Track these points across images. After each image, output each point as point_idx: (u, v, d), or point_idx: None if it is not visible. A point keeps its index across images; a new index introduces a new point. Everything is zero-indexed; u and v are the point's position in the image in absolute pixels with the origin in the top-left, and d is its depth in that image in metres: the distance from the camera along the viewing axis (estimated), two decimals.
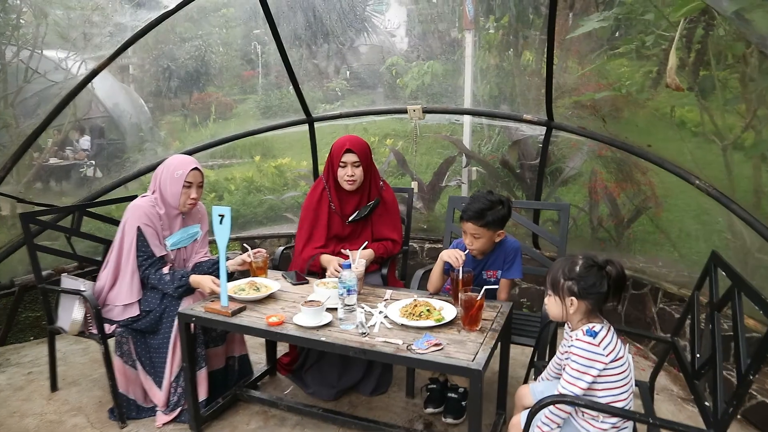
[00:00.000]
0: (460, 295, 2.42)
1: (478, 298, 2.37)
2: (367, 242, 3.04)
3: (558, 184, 4.74)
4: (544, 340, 2.66)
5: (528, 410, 2.13)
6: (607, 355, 1.92)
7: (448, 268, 2.82)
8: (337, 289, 2.42)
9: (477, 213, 2.71)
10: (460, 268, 2.68)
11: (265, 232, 5.29)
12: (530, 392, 2.30)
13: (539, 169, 3.93)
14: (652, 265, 4.06)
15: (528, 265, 3.20)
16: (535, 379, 2.49)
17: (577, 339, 1.96)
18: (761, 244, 3.17)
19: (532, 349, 2.84)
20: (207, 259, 3.21)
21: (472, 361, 2.13)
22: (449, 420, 2.90)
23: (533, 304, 4.47)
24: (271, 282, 2.91)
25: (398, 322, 2.45)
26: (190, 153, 4.41)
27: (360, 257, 2.90)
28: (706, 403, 2.04)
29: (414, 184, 4.76)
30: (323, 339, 2.33)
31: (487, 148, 5.60)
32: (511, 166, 4.84)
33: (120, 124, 6.30)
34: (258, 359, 3.54)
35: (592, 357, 1.92)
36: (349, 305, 2.40)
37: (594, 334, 1.94)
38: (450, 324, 2.46)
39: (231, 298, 2.69)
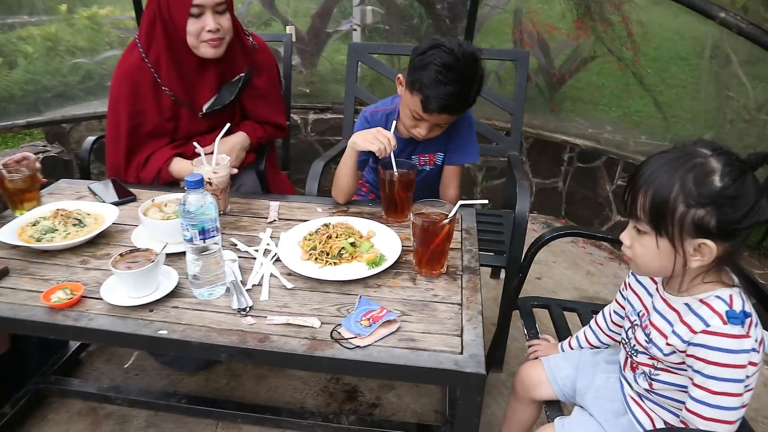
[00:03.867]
0: (414, 219, 1.34)
1: (447, 221, 1.32)
2: (229, 124, 1.80)
3: (479, 28, 3.63)
4: (529, 260, 1.71)
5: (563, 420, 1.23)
6: (759, 349, 1.00)
7: (364, 159, 1.73)
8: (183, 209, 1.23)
9: (460, 99, 1.59)
10: (393, 161, 1.60)
11: (79, 111, 3.72)
12: (547, 376, 1.37)
13: (471, 5, 2.76)
14: (601, 130, 3.23)
15: None
16: (530, 336, 1.57)
17: (708, 332, 1.00)
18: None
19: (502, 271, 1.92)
20: None
21: (460, 353, 1.12)
22: None
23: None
24: (104, 208, 1.63)
25: (301, 272, 1.35)
26: None
27: (221, 151, 1.71)
28: None
29: (290, 29, 3.42)
30: (162, 334, 1.18)
31: None
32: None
33: None
34: None
35: (745, 360, 0.98)
36: (205, 253, 1.24)
37: (740, 318, 0.99)
38: (394, 267, 1.41)
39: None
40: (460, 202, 1.33)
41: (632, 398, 1.21)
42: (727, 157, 0.96)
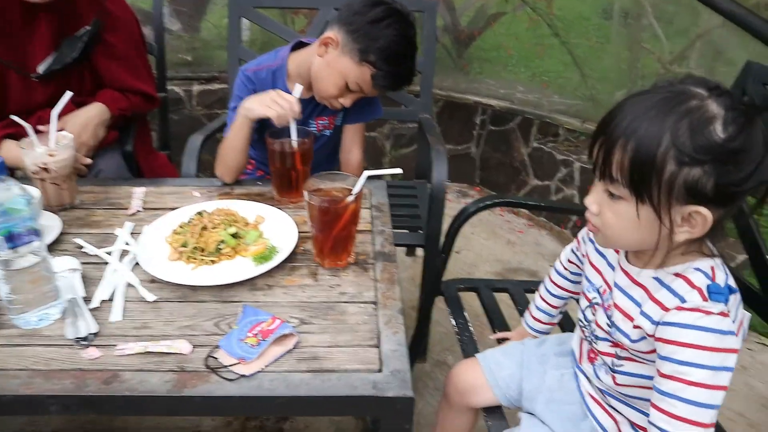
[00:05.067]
0: (310, 198, 1.06)
1: (351, 198, 1.05)
2: (71, 93, 1.41)
3: None
4: (452, 237, 1.48)
5: None
6: (738, 333, 0.80)
7: (258, 127, 1.42)
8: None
9: (413, 73, 1.42)
10: (294, 130, 1.31)
11: None
12: (486, 378, 1.15)
13: None
14: (513, 90, 3.07)
15: None
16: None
17: (683, 308, 0.79)
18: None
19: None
20: None
21: (379, 370, 0.87)
22: None
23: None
24: None
25: (167, 278, 1.03)
26: None
27: (71, 128, 1.36)
28: None
29: None
30: None
31: None
32: None
33: None
34: None
35: (727, 345, 0.77)
36: (17, 267, 0.89)
37: (724, 294, 0.78)
38: (289, 260, 1.12)
39: None
40: (367, 172, 1.06)
41: (591, 396, 1.01)
42: (728, 99, 0.74)
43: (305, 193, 1.06)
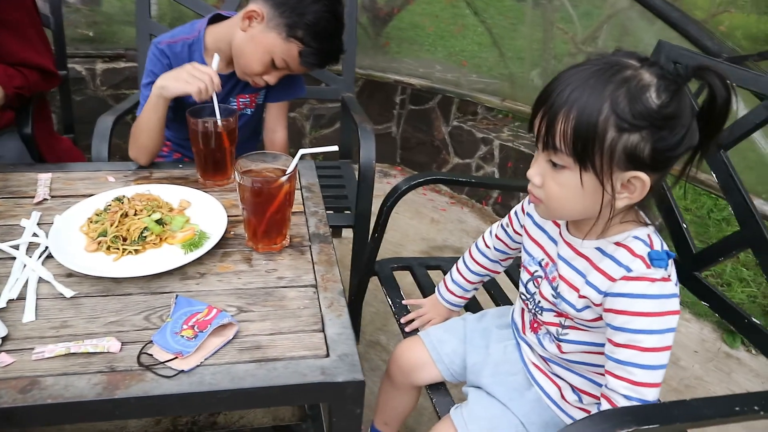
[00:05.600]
0: (241, 180, 1.00)
1: (285, 178, 1.00)
2: None
3: None
4: (386, 216, 1.46)
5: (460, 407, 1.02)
6: (678, 293, 0.84)
7: (173, 105, 1.34)
8: None
9: (341, 51, 1.38)
10: (217, 107, 1.23)
11: None
12: (430, 354, 1.15)
13: None
14: (432, 70, 3.08)
15: None
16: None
17: (629, 278, 0.81)
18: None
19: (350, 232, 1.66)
20: None
21: (326, 355, 0.84)
22: None
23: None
24: None
25: (87, 271, 0.94)
26: None
27: None
28: None
29: None
30: None
31: None
32: None
33: None
34: None
35: (671, 308, 0.81)
36: None
37: (664, 260, 0.81)
38: (220, 246, 1.06)
39: None
40: (302, 151, 1.01)
41: (534, 365, 1.04)
42: (658, 69, 0.76)
43: (236, 174, 1.00)
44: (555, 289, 0.93)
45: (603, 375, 0.87)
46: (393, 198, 1.38)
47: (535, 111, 0.81)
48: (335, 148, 1.07)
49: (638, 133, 0.75)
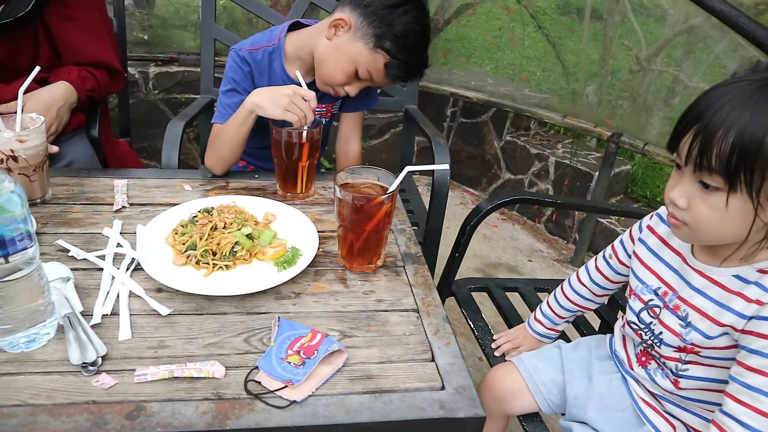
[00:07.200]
0: (342, 195, 0.94)
1: (387, 195, 0.94)
2: (39, 68, 1.22)
3: None
4: (468, 235, 1.40)
5: None
6: None
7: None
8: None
9: (423, 61, 1.31)
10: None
11: None
12: (526, 383, 1.08)
13: None
14: (484, 83, 3.02)
15: None
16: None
17: None
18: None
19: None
20: None
21: (441, 387, 0.77)
22: None
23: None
24: None
25: (179, 286, 0.88)
26: None
27: (32, 108, 1.18)
28: None
29: None
30: None
31: None
32: None
33: None
34: None
35: None
36: (11, 278, 0.73)
37: None
38: (311, 265, 1.00)
39: None
40: (408, 168, 0.95)
41: (645, 401, 0.96)
42: None
43: (336, 188, 0.95)
44: (683, 318, 0.86)
45: None
46: (477, 217, 1.32)
47: (684, 130, 0.75)
48: (445, 166, 1.02)
49: None
